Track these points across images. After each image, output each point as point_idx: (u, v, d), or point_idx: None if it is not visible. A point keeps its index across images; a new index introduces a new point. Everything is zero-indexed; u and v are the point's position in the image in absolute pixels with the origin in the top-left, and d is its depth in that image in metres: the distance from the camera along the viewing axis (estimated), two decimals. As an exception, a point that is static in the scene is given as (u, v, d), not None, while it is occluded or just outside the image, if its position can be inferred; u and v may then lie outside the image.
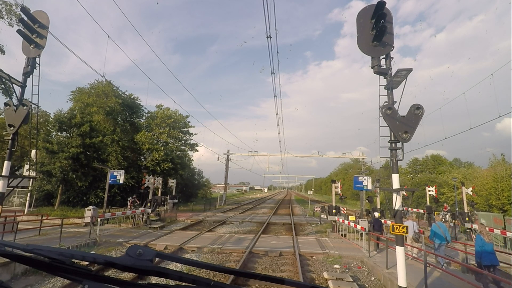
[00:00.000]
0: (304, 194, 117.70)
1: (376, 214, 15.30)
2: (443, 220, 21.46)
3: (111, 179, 19.41)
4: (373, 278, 9.66)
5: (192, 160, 42.99)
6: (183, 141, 39.58)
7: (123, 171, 20.26)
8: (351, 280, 8.88)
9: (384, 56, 5.98)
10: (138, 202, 22.35)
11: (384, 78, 5.96)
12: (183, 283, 1.00)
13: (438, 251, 10.81)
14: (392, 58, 5.99)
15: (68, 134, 25.72)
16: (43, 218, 14.47)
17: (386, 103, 5.76)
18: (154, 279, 6.14)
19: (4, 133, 23.72)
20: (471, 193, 20.90)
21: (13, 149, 6.64)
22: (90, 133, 25.01)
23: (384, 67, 5.94)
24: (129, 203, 22.02)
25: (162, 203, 21.83)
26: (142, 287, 0.99)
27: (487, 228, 8.89)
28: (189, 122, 39.19)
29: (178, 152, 37.09)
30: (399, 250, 5.49)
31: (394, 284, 8.09)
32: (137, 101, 36.20)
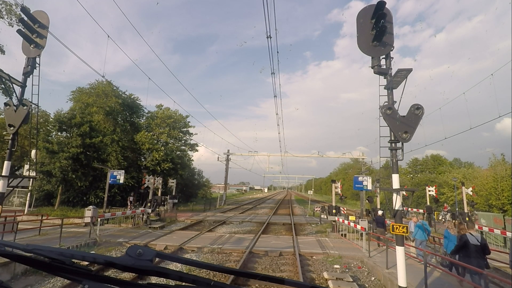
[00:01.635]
0: (304, 194, 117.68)
1: (380, 212, 15.62)
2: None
3: (111, 179, 19.41)
4: (373, 278, 9.66)
5: (192, 160, 43.01)
6: (183, 141, 39.57)
7: (123, 171, 20.26)
8: (351, 280, 8.88)
9: (384, 56, 5.98)
10: (137, 203, 22.33)
11: (384, 78, 5.96)
12: (183, 283, 1.00)
13: (420, 246, 11.07)
14: (392, 58, 5.99)
15: (68, 134, 25.72)
16: (43, 218, 14.47)
17: (386, 103, 5.76)
18: (154, 279, 6.13)
19: (4, 133, 23.71)
20: (471, 193, 20.91)
21: (13, 149, 6.64)
22: (90, 133, 25.02)
23: (384, 67, 5.93)
24: (129, 203, 22.04)
25: (162, 203, 21.84)
26: (142, 287, 0.99)
27: (452, 223, 10.18)
28: (189, 122, 39.22)
29: (178, 152, 37.09)
30: (399, 250, 5.48)
31: (394, 284, 8.09)
32: (137, 101, 36.22)
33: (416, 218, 12.01)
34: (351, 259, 11.73)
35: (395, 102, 5.78)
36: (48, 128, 29.08)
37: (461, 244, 7.25)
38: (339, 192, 20.13)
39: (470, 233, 7.28)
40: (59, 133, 26.71)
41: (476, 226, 17.29)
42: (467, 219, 17.67)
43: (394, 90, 5.88)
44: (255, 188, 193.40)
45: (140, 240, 13.93)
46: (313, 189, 72.07)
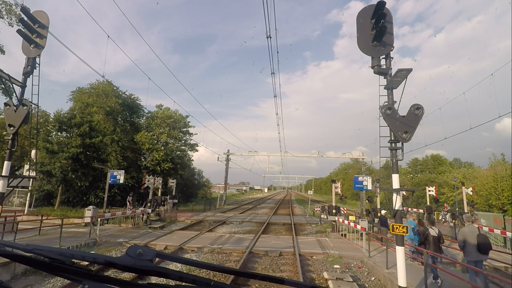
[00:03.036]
0: (304, 194, 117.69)
1: (383, 212, 15.78)
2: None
3: (111, 179, 19.41)
4: (373, 278, 9.66)
5: (192, 160, 43.00)
6: (183, 141, 39.58)
7: (123, 171, 20.25)
8: (351, 280, 8.88)
9: (384, 56, 5.98)
10: (136, 203, 22.29)
11: (384, 78, 5.96)
12: (183, 283, 1.00)
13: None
14: (392, 58, 5.99)
15: (68, 134, 25.72)
16: (43, 218, 14.47)
17: (386, 103, 5.76)
18: (154, 279, 6.13)
19: (4, 133, 23.70)
20: (471, 193, 20.90)
21: (13, 149, 6.64)
22: (90, 133, 25.01)
23: (384, 67, 5.93)
24: (128, 203, 22.04)
25: (162, 203, 21.83)
26: (142, 287, 0.99)
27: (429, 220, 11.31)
28: (189, 122, 39.23)
29: (178, 152, 37.09)
30: (399, 250, 5.49)
31: (394, 284, 8.09)
32: (137, 101, 36.21)
33: (411, 217, 12.12)
34: (351, 259, 11.73)
35: (395, 102, 5.78)
36: (48, 128, 29.06)
37: (425, 236, 9.42)
38: (339, 192, 20.12)
39: (431, 227, 9.44)
40: (59, 133, 26.71)
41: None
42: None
43: (394, 90, 5.88)
44: (255, 188, 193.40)
45: (140, 240, 13.93)
46: (313, 189, 72.09)
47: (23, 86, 6.73)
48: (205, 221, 23.00)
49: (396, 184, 5.55)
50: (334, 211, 18.63)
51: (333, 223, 18.44)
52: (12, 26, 15.37)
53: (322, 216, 21.50)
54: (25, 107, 6.53)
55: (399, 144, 5.64)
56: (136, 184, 28.32)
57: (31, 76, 6.79)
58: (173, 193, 25.45)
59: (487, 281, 7.49)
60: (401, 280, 5.35)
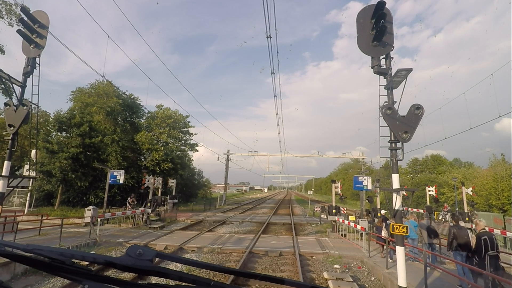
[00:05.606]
0: (304, 194, 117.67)
1: (383, 211, 15.82)
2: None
3: (111, 179, 19.40)
4: (373, 278, 9.66)
5: (192, 160, 43.02)
6: (183, 141, 39.59)
7: (123, 171, 20.23)
8: (351, 280, 8.87)
9: (384, 56, 5.98)
10: (136, 202, 22.30)
11: (384, 78, 5.96)
12: (183, 283, 1.00)
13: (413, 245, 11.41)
14: (392, 58, 5.98)
15: (68, 134, 25.72)
16: (43, 218, 14.47)
17: (386, 103, 5.76)
18: (154, 279, 6.13)
19: (4, 133, 23.72)
20: (471, 193, 20.89)
21: (13, 149, 6.64)
22: (89, 133, 25.01)
23: (384, 67, 5.93)
24: (128, 204, 22.05)
25: (162, 203, 21.82)
26: (142, 287, 0.99)
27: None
28: (189, 122, 39.24)
29: (178, 152, 37.09)
30: (399, 250, 5.48)
31: (394, 284, 8.09)
32: (137, 101, 36.22)
33: (412, 217, 12.13)
34: (351, 259, 11.73)
35: (395, 102, 5.78)
36: (48, 128, 29.06)
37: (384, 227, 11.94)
38: (339, 192, 20.11)
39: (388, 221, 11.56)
40: (59, 133, 26.71)
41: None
42: (467, 219, 17.71)
43: (394, 90, 5.89)
44: (255, 188, 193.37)
45: (140, 240, 13.92)
46: (313, 189, 72.11)
47: (23, 86, 6.73)
48: (205, 221, 23.00)
49: (396, 184, 5.55)
50: (334, 211, 18.61)
51: (333, 223, 18.44)
52: (12, 26, 15.40)
53: (322, 216, 21.49)
54: (25, 107, 6.52)
55: (399, 144, 5.64)
56: (136, 184, 28.31)
57: (31, 76, 6.78)
58: (173, 193, 25.45)
59: (487, 281, 7.55)
60: (401, 280, 5.35)
